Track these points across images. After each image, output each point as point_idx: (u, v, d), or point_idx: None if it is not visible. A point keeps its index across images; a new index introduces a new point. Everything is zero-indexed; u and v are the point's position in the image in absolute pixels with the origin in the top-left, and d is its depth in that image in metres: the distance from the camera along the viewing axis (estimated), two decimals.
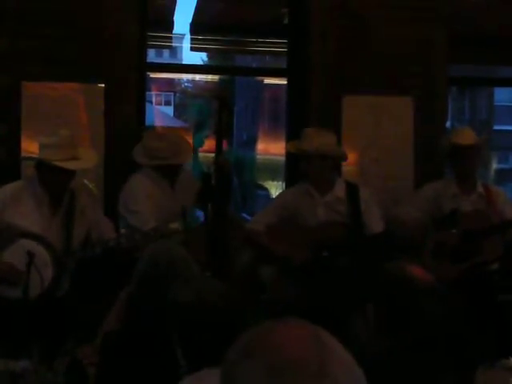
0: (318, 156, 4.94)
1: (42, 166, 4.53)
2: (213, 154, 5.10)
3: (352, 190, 5.03)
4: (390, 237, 4.75)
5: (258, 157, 11.77)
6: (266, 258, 5.01)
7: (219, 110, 4.98)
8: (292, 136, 6.41)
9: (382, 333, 2.29)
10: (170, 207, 5.09)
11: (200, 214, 5.44)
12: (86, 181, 5.68)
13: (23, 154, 5.37)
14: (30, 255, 4.13)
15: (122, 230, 4.66)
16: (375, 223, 4.97)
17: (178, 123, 19.16)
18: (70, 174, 4.52)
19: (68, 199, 4.63)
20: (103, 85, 5.84)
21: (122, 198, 5.17)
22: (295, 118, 6.42)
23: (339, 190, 5.02)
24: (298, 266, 4.90)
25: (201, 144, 10.26)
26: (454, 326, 2.40)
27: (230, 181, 5.08)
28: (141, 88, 6.14)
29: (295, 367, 1.32)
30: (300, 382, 1.31)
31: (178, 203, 5.06)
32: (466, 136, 5.14)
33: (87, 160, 4.66)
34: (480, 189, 5.12)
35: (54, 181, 4.52)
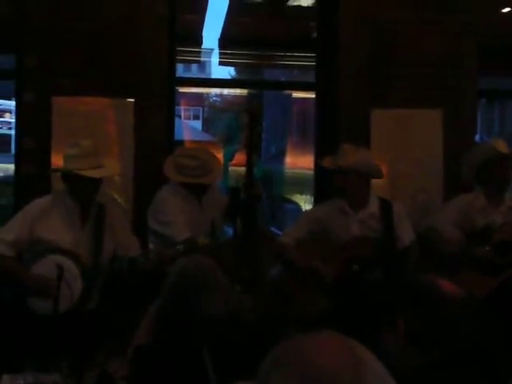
0: (354, 172, 4.93)
1: (68, 176, 4.57)
2: (243, 168, 5.11)
3: (385, 205, 5.01)
4: (427, 251, 4.73)
5: (287, 170, 11.75)
6: (295, 272, 5.00)
7: (250, 124, 4.98)
8: (321, 150, 6.41)
9: (413, 348, 2.27)
10: (198, 223, 5.11)
11: (228, 229, 5.43)
12: (115, 195, 5.71)
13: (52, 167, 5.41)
14: (60, 268, 4.15)
15: (151, 246, 4.66)
16: (407, 235, 4.97)
17: (206, 137, 19.22)
18: (96, 182, 4.55)
19: (96, 212, 4.65)
20: (133, 99, 5.89)
21: (151, 211, 5.20)
22: (324, 131, 6.41)
23: (373, 206, 5.00)
24: (330, 280, 4.88)
25: (231, 158, 10.26)
26: (488, 340, 2.36)
27: (259, 196, 5.07)
28: (170, 102, 6.17)
29: (329, 379, 1.32)
30: None
31: (206, 219, 5.09)
32: (504, 146, 5.11)
33: (110, 168, 4.69)
34: (508, 201, 5.08)
35: (81, 190, 4.54)
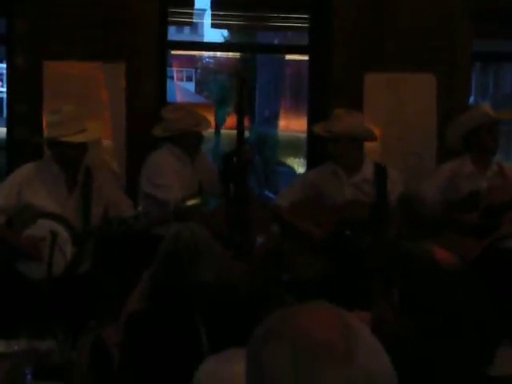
0: (347, 138, 4.92)
1: (53, 144, 4.54)
2: (234, 131, 5.12)
3: (380, 171, 5.01)
4: (410, 215, 4.75)
5: (280, 133, 11.71)
6: (289, 234, 5.03)
7: (240, 88, 4.97)
8: (314, 113, 6.40)
9: (407, 316, 2.28)
10: (191, 184, 5.12)
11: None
12: (107, 157, 5.70)
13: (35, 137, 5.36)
14: (53, 234, 4.16)
15: (140, 208, 4.65)
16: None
17: (199, 99, 19.15)
18: (81, 147, 4.52)
19: (84, 177, 4.63)
20: (124, 63, 5.84)
21: (144, 173, 5.19)
22: (317, 94, 6.39)
23: (367, 170, 5.01)
24: (320, 242, 4.91)
25: (223, 121, 10.24)
26: (480, 307, 2.37)
27: (249, 160, 5.07)
28: (162, 65, 6.14)
29: (321, 350, 1.32)
30: (326, 365, 1.31)
31: (196, 181, 5.10)
32: (491, 111, 5.10)
33: (93, 132, 4.65)
34: (494, 167, 5.08)
35: (67, 157, 4.52)
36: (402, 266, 2.40)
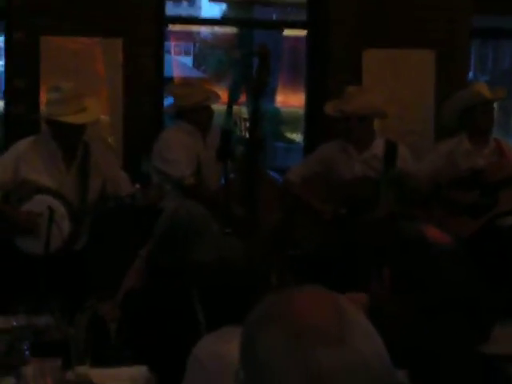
0: (357, 117, 4.93)
1: (51, 122, 4.53)
2: (239, 107, 5.12)
3: (390, 147, 5.03)
4: (402, 193, 4.79)
5: (278, 109, 11.65)
6: (300, 210, 5.07)
7: (259, 67, 4.89)
8: (312, 89, 6.39)
9: (398, 295, 2.29)
10: (204, 160, 5.13)
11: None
12: (104, 132, 5.69)
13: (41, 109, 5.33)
14: (51, 210, 4.16)
15: (137, 186, 4.65)
16: None
17: (197, 74, 19.05)
18: (79, 127, 4.50)
19: (82, 153, 4.61)
20: (121, 38, 5.82)
21: (155, 149, 5.22)
22: (315, 70, 6.38)
23: (377, 147, 5.04)
24: (329, 220, 4.94)
25: (237, 99, 10.11)
26: (472, 285, 2.39)
27: (261, 141, 5.05)
28: (159, 40, 6.12)
29: (314, 333, 1.34)
30: (319, 348, 1.33)
31: (210, 157, 5.11)
32: (486, 90, 5.09)
33: (93, 112, 4.63)
34: (492, 143, 5.08)
35: (65, 136, 4.51)
36: (393, 244, 2.40)
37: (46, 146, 4.57)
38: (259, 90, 4.90)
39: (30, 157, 4.53)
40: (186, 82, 5.62)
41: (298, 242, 5.05)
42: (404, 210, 4.75)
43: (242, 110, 5.49)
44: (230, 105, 4.42)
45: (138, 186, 4.65)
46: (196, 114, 5.22)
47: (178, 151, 5.12)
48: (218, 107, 5.52)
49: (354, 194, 4.92)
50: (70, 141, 4.54)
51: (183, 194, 4.88)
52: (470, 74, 7.86)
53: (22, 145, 4.61)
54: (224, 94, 5.39)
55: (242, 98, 5.16)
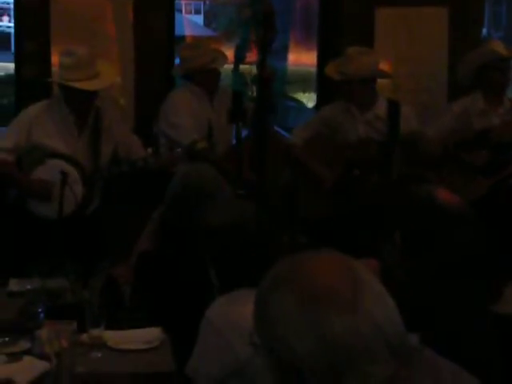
0: (360, 78, 4.89)
1: (64, 86, 4.52)
2: (249, 67, 5.07)
3: (393, 108, 4.99)
4: (412, 155, 4.76)
5: (289, 67, 11.56)
6: (302, 173, 5.05)
7: (264, 25, 4.86)
8: (324, 48, 6.33)
9: (409, 258, 2.29)
10: (211, 123, 5.11)
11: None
12: (115, 94, 5.67)
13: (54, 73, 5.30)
14: (64, 175, 4.17)
15: (149, 149, 4.65)
16: None
17: (208, 32, 18.95)
18: (92, 93, 4.48)
19: (93, 117, 4.61)
20: None
21: (162, 112, 5.20)
22: (327, 29, 6.31)
23: (380, 108, 5.00)
24: (329, 185, 4.93)
25: (242, 58, 10.04)
26: (482, 246, 2.38)
27: (272, 95, 5.01)
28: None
29: (327, 296, 1.35)
30: (332, 312, 1.34)
31: (218, 119, 5.10)
32: (502, 47, 5.03)
33: (107, 77, 4.61)
34: (507, 103, 5.03)
35: (78, 101, 4.50)
36: (403, 207, 2.40)
37: (58, 110, 4.56)
38: (265, 48, 4.87)
39: (42, 121, 4.53)
40: (193, 43, 5.60)
41: (305, 207, 5.03)
42: (414, 171, 4.73)
43: (253, 69, 5.45)
44: (236, 65, 4.39)
45: (150, 149, 4.65)
46: (203, 76, 5.19)
47: (184, 116, 5.09)
48: (226, 67, 5.48)
49: (361, 155, 4.90)
50: (82, 106, 4.53)
51: (192, 158, 4.85)
52: (484, 31, 7.77)
53: (35, 109, 4.61)
54: (232, 54, 5.34)
55: (253, 57, 5.11)
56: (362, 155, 4.89)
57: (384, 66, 5.42)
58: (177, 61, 6.01)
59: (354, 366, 1.33)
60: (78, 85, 4.39)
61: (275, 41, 5.01)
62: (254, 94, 5.00)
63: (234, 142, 5.26)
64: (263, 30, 4.84)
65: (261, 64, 4.87)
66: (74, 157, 4.49)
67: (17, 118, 4.67)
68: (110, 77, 4.70)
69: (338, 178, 4.94)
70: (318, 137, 5.11)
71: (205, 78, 5.20)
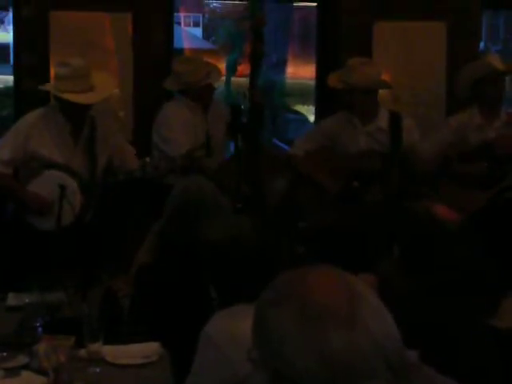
0: (362, 89, 4.89)
1: (56, 97, 4.53)
2: (244, 79, 5.08)
3: (395, 119, 4.99)
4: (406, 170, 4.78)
5: (288, 80, 11.59)
6: (304, 184, 5.04)
7: (253, 41, 4.88)
8: (322, 60, 6.35)
9: (407, 273, 2.29)
10: (203, 136, 5.11)
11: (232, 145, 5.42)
12: (114, 106, 5.67)
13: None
14: (62, 188, 4.17)
15: (147, 159, 4.66)
16: None
17: (206, 45, 18.97)
18: (84, 106, 4.50)
19: (89, 126, 4.62)
20: (131, 11, 5.79)
21: (155, 124, 5.20)
22: (326, 42, 6.34)
23: (382, 119, 5.00)
24: (332, 195, 4.92)
25: (233, 70, 10.06)
26: (480, 262, 2.38)
27: (262, 111, 5.02)
28: (169, 11, 6.09)
29: (326, 313, 1.35)
30: (330, 328, 1.34)
31: (212, 133, 5.10)
32: (498, 62, 5.04)
33: (101, 91, 4.61)
34: (503, 116, 5.04)
35: (72, 112, 4.51)
36: (401, 222, 2.40)
37: (54, 119, 4.58)
38: (255, 62, 4.88)
39: (38, 131, 4.54)
40: (187, 57, 5.62)
41: (306, 217, 5.02)
42: (411, 187, 4.73)
43: (244, 82, 5.45)
44: (227, 78, 4.43)
45: (148, 159, 4.65)
46: (197, 91, 5.19)
47: (177, 130, 5.09)
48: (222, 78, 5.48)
49: (365, 167, 4.90)
50: (76, 116, 4.54)
51: (190, 169, 4.86)
52: (482, 44, 7.79)
53: (31, 118, 4.62)
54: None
55: (246, 70, 5.13)
56: (365, 167, 4.89)
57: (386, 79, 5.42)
58: None
59: (352, 382, 1.33)
60: (71, 97, 4.40)
61: (265, 54, 5.02)
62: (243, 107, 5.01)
63: (228, 155, 5.28)
64: (252, 44, 4.87)
65: (251, 78, 4.90)
66: (71, 167, 4.49)
67: (12, 128, 4.66)
68: (104, 90, 4.69)
69: (340, 190, 4.94)
70: (320, 148, 5.11)
71: (199, 92, 5.19)
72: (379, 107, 5.06)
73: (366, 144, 4.99)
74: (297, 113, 11.69)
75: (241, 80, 8.72)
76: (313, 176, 5.02)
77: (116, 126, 5.02)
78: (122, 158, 4.73)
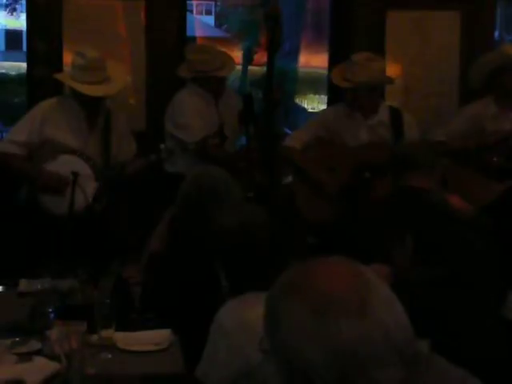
0: (366, 88, 4.85)
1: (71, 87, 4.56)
2: (259, 68, 5.08)
3: (395, 114, 4.96)
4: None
5: (300, 69, 11.54)
6: (301, 176, 4.98)
7: (272, 29, 4.85)
8: (335, 50, 6.32)
9: (420, 263, 2.29)
10: (215, 124, 5.11)
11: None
12: (127, 95, 5.68)
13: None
14: (75, 175, 4.19)
15: (162, 146, 4.67)
16: None
17: (219, 33, 18.97)
18: (98, 97, 4.52)
19: (104, 115, 4.65)
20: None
21: (168, 113, 5.21)
22: (339, 32, 6.30)
23: (383, 114, 4.94)
24: (331, 192, 4.86)
25: (250, 59, 10.03)
26: (493, 253, 2.38)
27: (277, 101, 4.99)
28: (182, 0, 6.08)
29: (336, 303, 1.36)
30: (341, 317, 1.34)
31: (222, 120, 5.10)
32: None
33: (115, 83, 4.62)
34: None
35: (86, 101, 4.53)
36: (415, 213, 2.40)
37: (69, 106, 4.60)
38: (273, 50, 4.85)
39: (54, 116, 4.57)
40: (202, 46, 5.62)
41: (305, 213, 4.96)
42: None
43: (259, 70, 5.45)
44: (244, 67, 4.41)
45: (162, 145, 4.67)
46: (208, 81, 5.19)
47: (192, 116, 5.10)
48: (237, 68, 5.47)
49: (373, 159, 4.83)
50: (89, 105, 4.56)
51: (199, 156, 4.88)
52: (496, 34, 7.75)
53: (46, 105, 4.64)
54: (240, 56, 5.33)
55: (261, 59, 5.12)
56: (371, 159, 4.84)
57: (395, 68, 5.40)
58: None
59: (364, 372, 1.33)
60: (85, 89, 4.44)
61: (283, 43, 4.98)
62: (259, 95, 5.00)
63: (241, 144, 5.27)
64: (270, 33, 4.83)
65: (268, 67, 4.87)
66: (86, 152, 4.52)
67: (29, 112, 4.69)
68: (119, 83, 4.69)
69: (345, 182, 4.88)
70: (318, 141, 5.04)
71: (209, 82, 5.20)
72: (381, 101, 5.02)
73: (367, 138, 4.94)
74: (308, 102, 11.67)
75: (256, 69, 8.71)
76: (309, 171, 4.94)
77: (125, 116, 5.00)
78: (119, 148, 4.75)
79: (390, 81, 5.12)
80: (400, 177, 3.03)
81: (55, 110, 4.59)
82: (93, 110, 4.59)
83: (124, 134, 4.80)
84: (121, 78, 4.77)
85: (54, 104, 4.63)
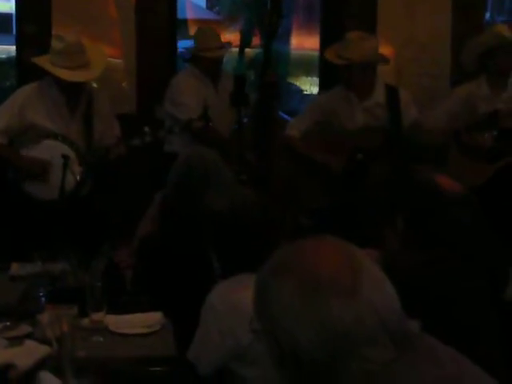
0: (360, 64, 4.83)
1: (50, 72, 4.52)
2: (253, 49, 5.08)
3: (392, 93, 4.94)
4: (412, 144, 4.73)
5: (292, 51, 11.50)
6: (303, 165, 4.97)
7: (270, 13, 4.84)
8: (327, 32, 6.30)
9: (412, 246, 2.29)
10: (214, 107, 5.09)
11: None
12: (117, 77, 5.65)
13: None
14: (65, 158, 4.17)
15: (146, 128, 4.64)
16: None
17: (211, 15, 18.86)
18: (77, 82, 4.47)
19: (85, 101, 4.60)
20: None
21: (167, 94, 5.27)
22: (330, 13, 6.28)
23: (379, 94, 4.92)
24: (337, 172, 4.85)
25: (249, 41, 9.98)
26: (484, 233, 2.38)
27: (277, 88, 4.99)
28: None
29: (327, 283, 1.36)
30: (332, 300, 1.34)
31: (221, 104, 5.10)
32: (508, 32, 4.99)
33: (95, 68, 4.57)
34: (511, 88, 5.00)
35: (64, 85, 4.49)
36: (405, 193, 2.39)
37: (49, 91, 4.54)
38: (271, 33, 4.84)
39: (34, 101, 4.52)
40: (204, 27, 5.68)
41: (303, 200, 4.96)
42: (414, 160, 4.68)
43: (257, 53, 5.45)
44: (241, 49, 4.37)
45: (146, 128, 4.62)
46: (204, 62, 5.26)
47: (189, 96, 5.16)
48: (230, 50, 5.49)
49: (368, 143, 4.83)
50: (69, 90, 4.52)
51: (192, 137, 4.91)
52: (487, 15, 7.74)
53: (26, 90, 4.60)
54: (236, 38, 5.31)
55: (256, 41, 5.11)
56: (366, 143, 4.83)
57: (387, 50, 5.38)
58: (180, 44, 6.03)
59: (353, 351, 1.33)
60: (62, 74, 4.38)
61: (280, 26, 4.98)
62: (253, 77, 4.99)
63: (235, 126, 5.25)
64: (269, 15, 4.81)
65: (265, 49, 4.86)
66: (69, 138, 4.49)
67: (8, 99, 4.64)
68: (98, 67, 4.61)
69: (345, 165, 4.87)
70: (316, 127, 5.03)
71: (205, 63, 5.26)
72: (376, 80, 5.00)
73: (363, 120, 4.92)
74: (300, 84, 11.62)
75: (248, 51, 8.70)
76: (313, 156, 4.94)
77: (108, 97, 4.93)
78: (108, 135, 4.72)
79: (385, 59, 5.09)
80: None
81: (35, 95, 4.54)
82: (73, 94, 4.54)
83: (107, 117, 4.75)
84: (101, 62, 4.70)
85: (34, 89, 4.57)
